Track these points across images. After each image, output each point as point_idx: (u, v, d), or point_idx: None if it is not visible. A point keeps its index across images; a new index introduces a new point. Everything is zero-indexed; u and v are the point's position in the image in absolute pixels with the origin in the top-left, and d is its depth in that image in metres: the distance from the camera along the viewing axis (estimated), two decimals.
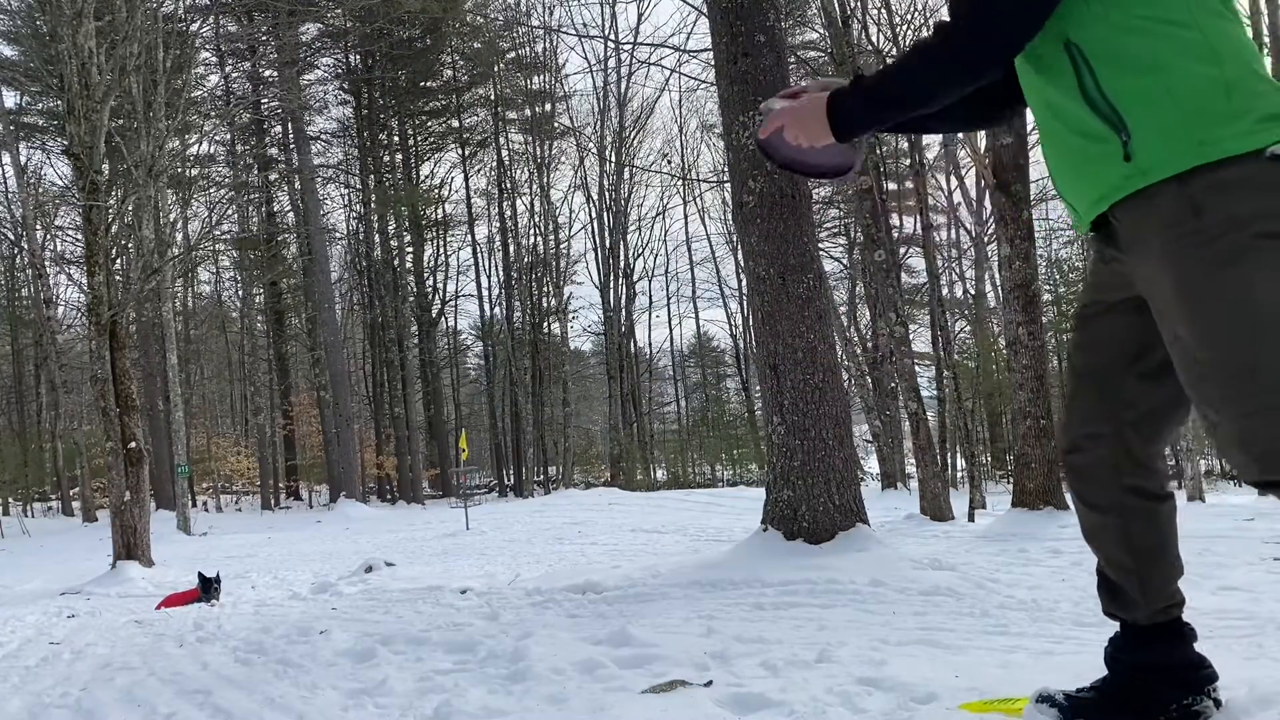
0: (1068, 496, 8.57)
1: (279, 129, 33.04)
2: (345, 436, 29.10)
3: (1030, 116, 1.89)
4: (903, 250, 24.60)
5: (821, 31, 18.39)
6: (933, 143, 23.67)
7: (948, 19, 1.70)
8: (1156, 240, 1.60)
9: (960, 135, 17.25)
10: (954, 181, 25.12)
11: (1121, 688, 1.93)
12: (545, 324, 32.96)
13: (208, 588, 7.06)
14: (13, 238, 26.25)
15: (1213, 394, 1.59)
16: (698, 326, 40.42)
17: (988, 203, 20.51)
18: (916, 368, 14.05)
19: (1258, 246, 1.51)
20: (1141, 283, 1.69)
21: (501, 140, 32.84)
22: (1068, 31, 1.64)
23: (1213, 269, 1.54)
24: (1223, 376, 1.56)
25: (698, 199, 34.43)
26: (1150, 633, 1.91)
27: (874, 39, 14.89)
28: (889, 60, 14.48)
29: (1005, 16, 1.63)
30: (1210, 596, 3.71)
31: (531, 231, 32.89)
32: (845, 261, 29.27)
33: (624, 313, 32.51)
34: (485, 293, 34.28)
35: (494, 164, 33.27)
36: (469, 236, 34.12)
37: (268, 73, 31.35)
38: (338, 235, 34.32)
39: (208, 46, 27.68)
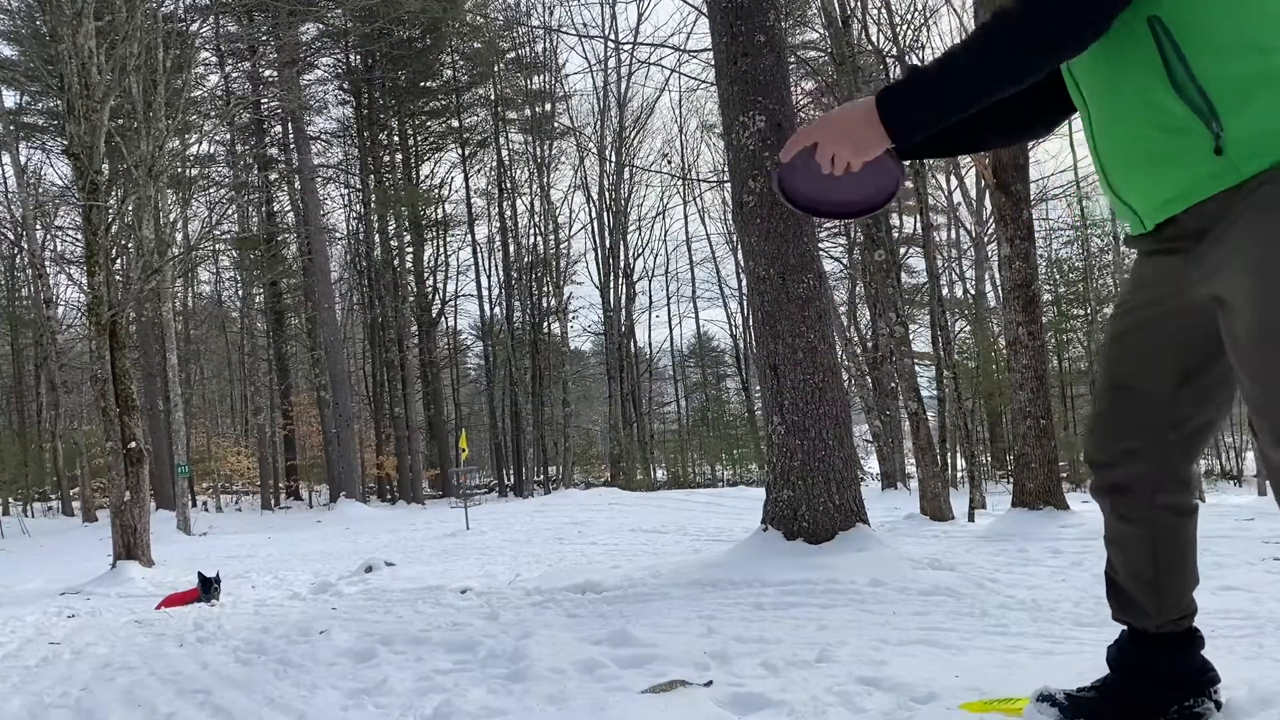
0: (1068, 497, 8.59)
1: (279, 129, 33.07)
2: (345, 436, 29.10)
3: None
4: (903, 250, 24.60)
5: (821, 31, 18.38)
6: None
7: None
8: (1242, 221, 1.46)
9: None
10: (954, 181, 25.13)
11: (1123, 688, 1.92)
12: (545, 324, 32.97)
13: (208, 587, 7.08)
14: (13, 238, 26.27)
15: (1267, 375, 1.47)
16: (698, 326, 40.49)
17: (988, 203, 20.51)
18: (916, 368, 14.05)
19: None
20: (1207, 271, 1.54)
21: (501, 140, 32.87)
22: (1153, 5, 1.46)
23: None
24: None
25: (698, 199, 34.44)
26: (1159, 640, 1.89)
27: (874, 39, 14.88)
28: (889, 60, 14.48)
29: None
30: (1210, 596, 3.70)
31: (531, 231, 32.94)
32: (845, 261, 29.27)
33: (624, 313, 32.50)
34: (485, 293, 34.34)
35: (494, 164, 33.31)
36: (469, 236, 34.17)
37: (268, 73, 31.36)
38: (338, 235, 34.38)
39: (208, 46, 27.70)
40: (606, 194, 31.77)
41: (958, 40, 1.56)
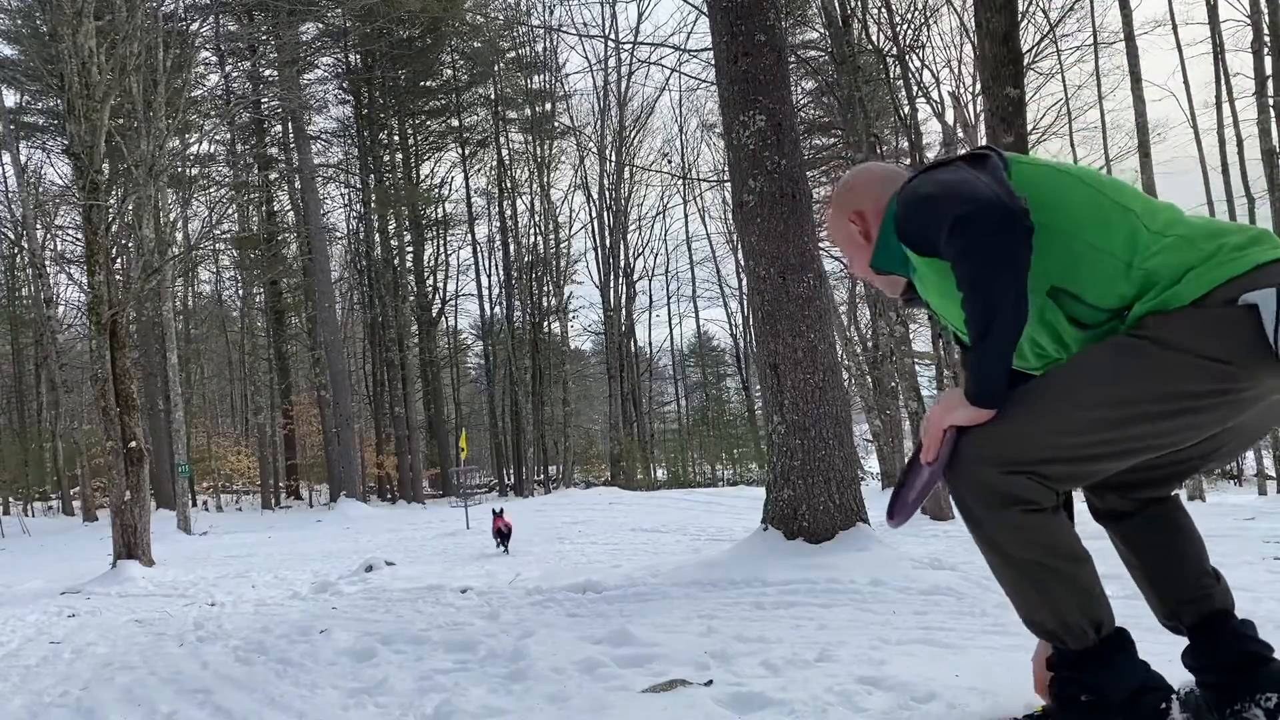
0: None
1: (279, 128, 33.01)
2: (345, 436, 29.09)
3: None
4: None
5: (821, 31, 18.37)
6: (933, 141, 23.68)
7: (956, 247, 1.73)
8: None
9: (961, 134, 17.22)
10: None
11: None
12: (545, 323, 32.97)
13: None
14: (13, 237, 26.20)
15: None
16: (698, 326, 40.47)
17: None
18: (916, 367, 14.05)
19: None
20: None
21: (501, 140, 32.86)
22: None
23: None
24: None
25: (698, 198, 34.45)
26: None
27: (874, 39, 14.89)
28: (889, 60, 14.50)
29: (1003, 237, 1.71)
30: None
31: (531, 231, 32.95)
32: (846, 261, 29.24)
33: (624, 312, 32.50)
34: (485, 292, 34.35)
35: (494, 163, 33.31)
36: (469, 236, 34.17)
37: (268, 72, 31.34)
38: (338, 235, 34.34)
39: (208, 46, 27.68)
40: (606, 193, 31.79)
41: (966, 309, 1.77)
